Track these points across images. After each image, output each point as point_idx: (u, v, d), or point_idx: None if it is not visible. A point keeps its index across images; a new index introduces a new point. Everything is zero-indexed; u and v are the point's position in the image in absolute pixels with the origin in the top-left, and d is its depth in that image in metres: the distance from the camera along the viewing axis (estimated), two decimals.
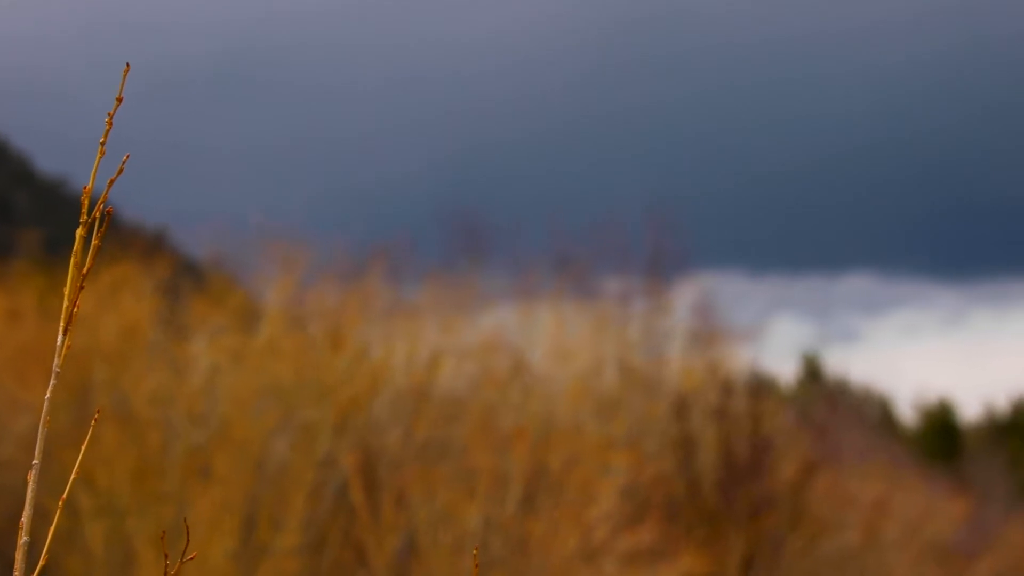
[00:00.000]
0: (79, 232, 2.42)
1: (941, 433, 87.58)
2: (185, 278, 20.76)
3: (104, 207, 2.46)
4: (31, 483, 2.39)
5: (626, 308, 20.34)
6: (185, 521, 2.46)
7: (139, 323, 17.66)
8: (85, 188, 2.47)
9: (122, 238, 20.53)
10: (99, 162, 2.47)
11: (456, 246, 18.28)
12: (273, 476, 15.06)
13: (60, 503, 2.41)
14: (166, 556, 2.46)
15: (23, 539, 2.29)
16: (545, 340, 19.17)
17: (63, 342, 2.43)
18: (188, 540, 2.50)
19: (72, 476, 2.43)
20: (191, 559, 2.46)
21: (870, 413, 74.14)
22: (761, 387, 21.25)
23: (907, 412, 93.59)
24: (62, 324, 2.44)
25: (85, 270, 2.39)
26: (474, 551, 2.05)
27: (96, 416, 2.75)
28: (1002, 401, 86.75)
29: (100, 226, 2.45)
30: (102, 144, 2.48)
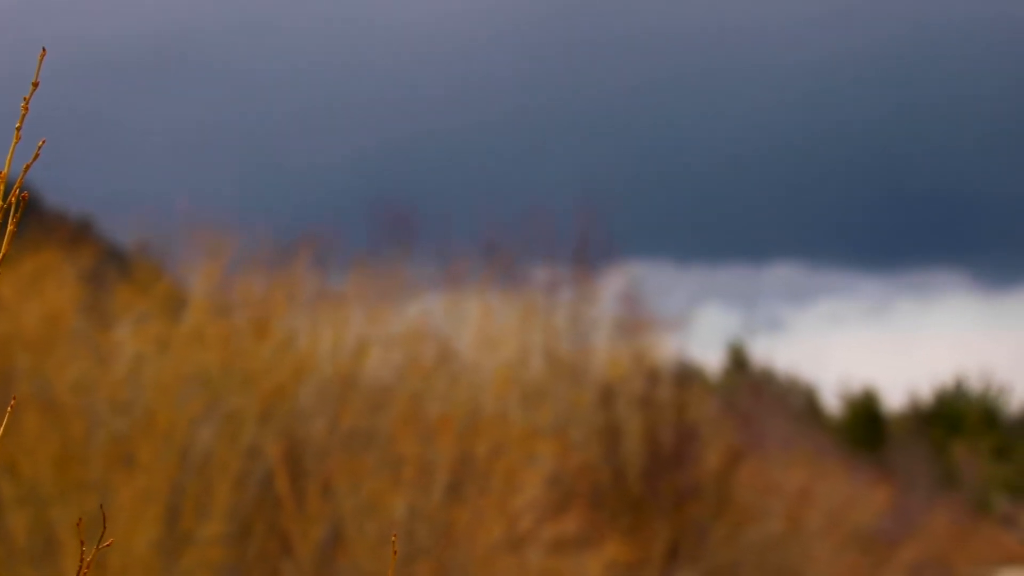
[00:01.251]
0: None
1: (865, 422, 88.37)
2: (110, 265, 20.62)
3: (20, 192, 2.46)
4: None
5: (553, 297, 20.40)
6: (101, 508, 2.45)
7: (62, 310, 17.53)
8: (1, 173, 2.47)
9: (46, 225, 20.37)
10: (15, 148, 2.46)
11: (384, 234, 18.26)
12: (197, 465, 15.00)
13: None
14: (82, 543, 2.45)
15: None
16: (472, 329, 19.18)
17: None
18: (105, 528, 2.49)
19: None
20: (107, 546, 2.45)
21: (795, 402, 74.68)
22: (687, 376, 21.38)
23: (832, 401, 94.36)
24: None
25: (1, 256, 2.39)
26: (392, 538, 2.06)
27: (12, 402, 2.74)
28: (926, 390, 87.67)
29: (16, 212, 2.45)
30: (18, 130, 2.48)
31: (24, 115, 2.50)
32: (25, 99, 2.50)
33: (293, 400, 15.22)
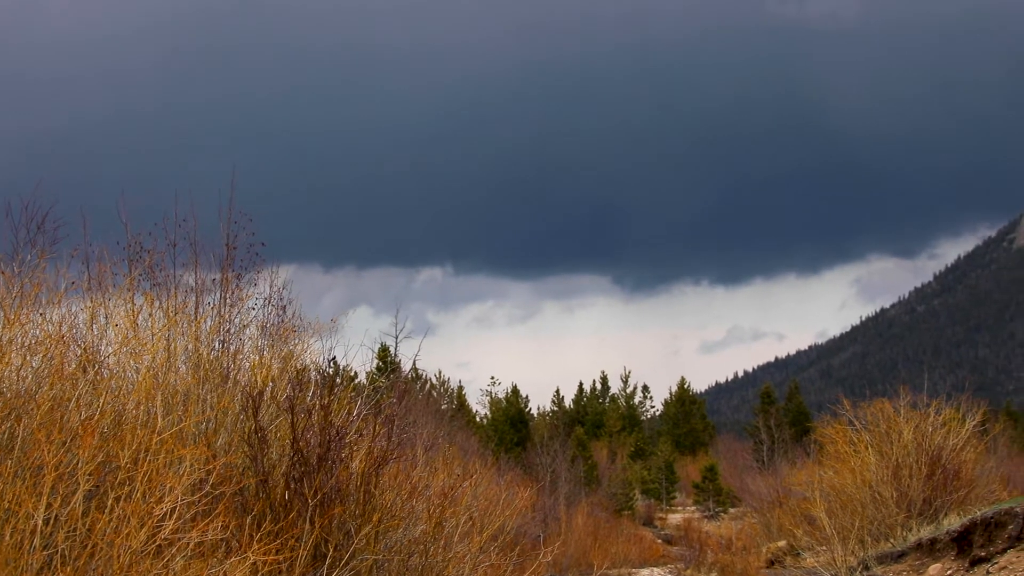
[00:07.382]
0: None
1: (512, 423, 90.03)
2: None
3: None
4: None
5: (200, 301, 20.27)
6: None
7: None
8: None
9: None
10: None
11: (22, 236, 17.84)
12: None
13: None
14: None
15: None
16: (116, 333, 18.93)
17: None
18: None
19: None
20: None
21: (443, 404, 75.63)
22: (335, 379, 21.51)
23: (479, 402, 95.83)
24: None
25: None
26: (29, 546, 2.11)
27: None
28: (570, 391, 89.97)
29: None
30: None
31: None
32: None
33: None
